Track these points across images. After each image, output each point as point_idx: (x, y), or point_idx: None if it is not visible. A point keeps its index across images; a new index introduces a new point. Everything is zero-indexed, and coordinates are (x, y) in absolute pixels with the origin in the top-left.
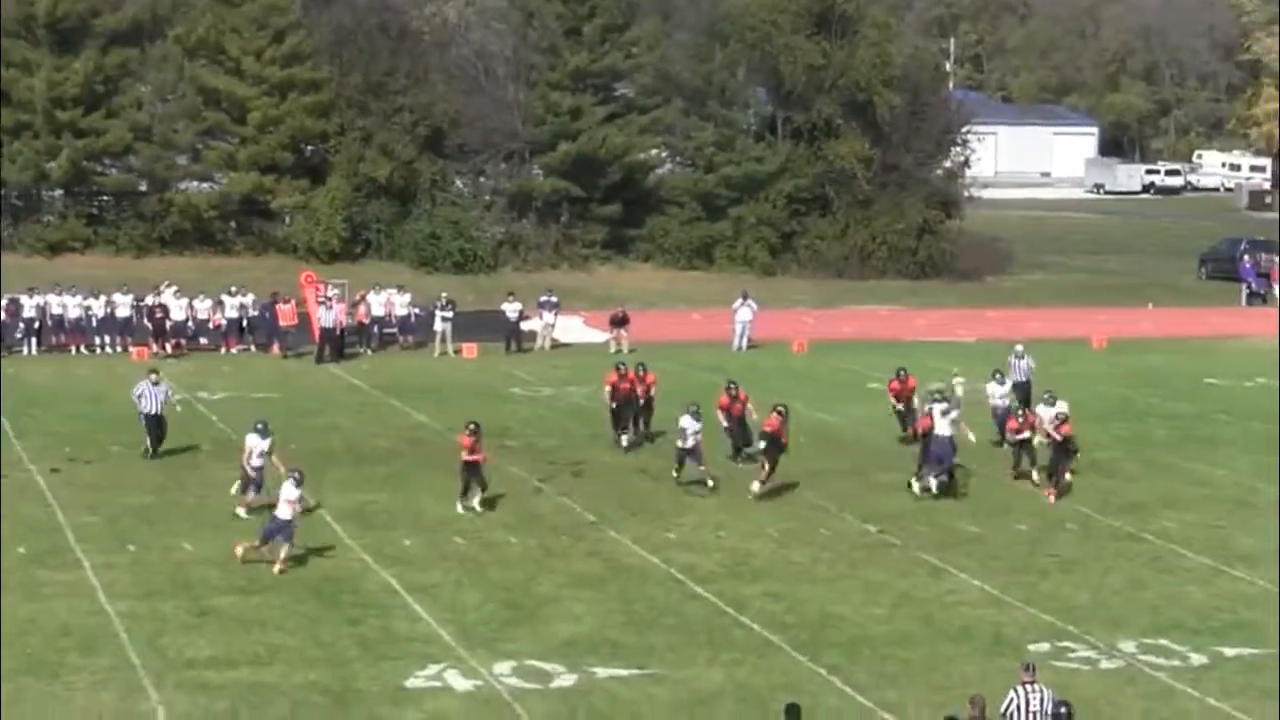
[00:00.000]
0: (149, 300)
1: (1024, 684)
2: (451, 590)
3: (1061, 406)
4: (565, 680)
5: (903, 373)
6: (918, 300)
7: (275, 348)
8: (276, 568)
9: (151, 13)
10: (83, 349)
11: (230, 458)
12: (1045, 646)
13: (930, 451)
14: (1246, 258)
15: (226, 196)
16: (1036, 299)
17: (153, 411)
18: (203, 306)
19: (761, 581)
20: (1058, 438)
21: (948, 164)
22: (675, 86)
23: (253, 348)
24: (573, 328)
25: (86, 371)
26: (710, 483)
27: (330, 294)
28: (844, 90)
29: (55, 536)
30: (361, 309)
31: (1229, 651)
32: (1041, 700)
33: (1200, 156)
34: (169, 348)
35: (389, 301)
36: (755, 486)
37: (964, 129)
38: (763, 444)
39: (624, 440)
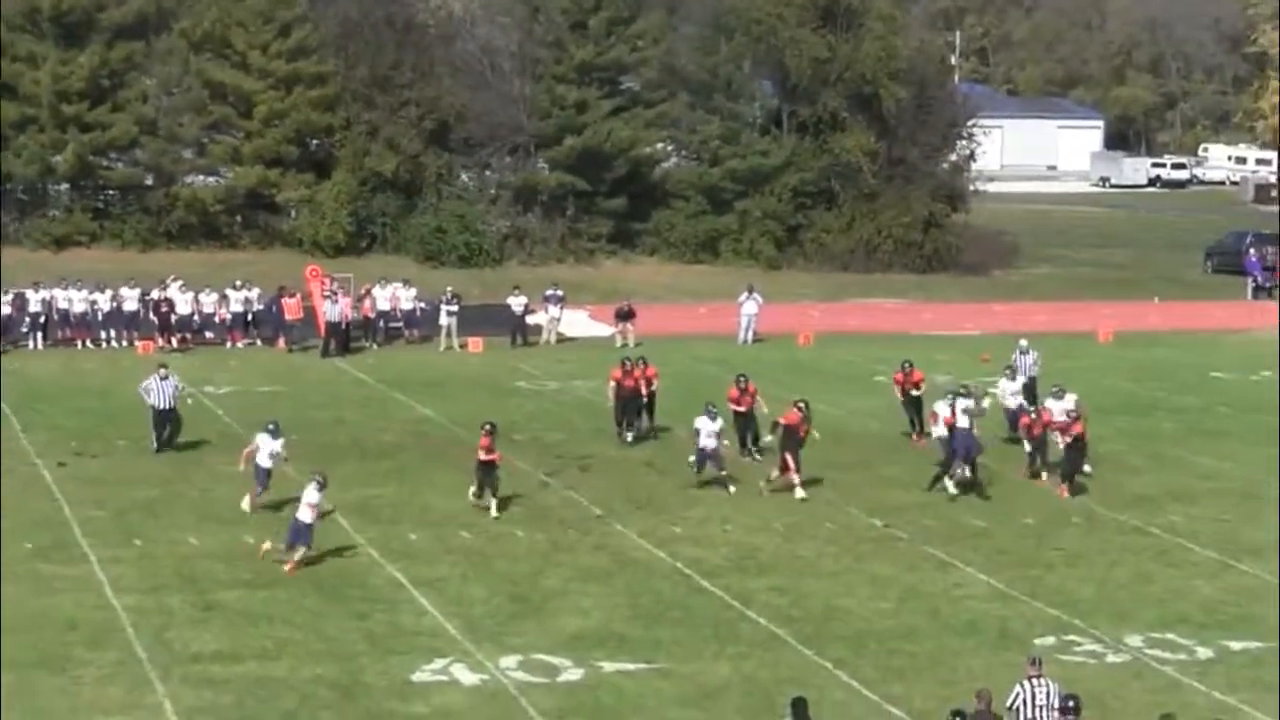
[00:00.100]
0: (155, 294)
1: (1030, 678)
2: (458, 584)
3: (1070, 399)
4: (572, 674)
5: (908, 365)
6: (923, 294)
7: (281, 342)
8: (287, 567)
9: (157, 6)
10: (88, 343)
11: (236, 452)
12: (1051, 640)
13: (954, 446)
14: (1252, 251)
15: (232, 190)
16: (1042, 292)
17: (162, 406)
18: (208, 301)
19: (768, 575)
20: (1069, 439)
21: (953, 157)
22: (681, 80)
23: (258, 342)
24: (578, 322)
25: (92, 366)
26: (731, 488)
27: (335, 288)
28: (849, 83)
29: (62, 531)
30: (367, 303)
31: (1235, 645)
32: (1048, 694)
33: (1206, 150)
34: (174, 342)
35: (394, 295)
36: (799, 492)
37: (970, 122)
38: (772, 437)
39: (628, 436)
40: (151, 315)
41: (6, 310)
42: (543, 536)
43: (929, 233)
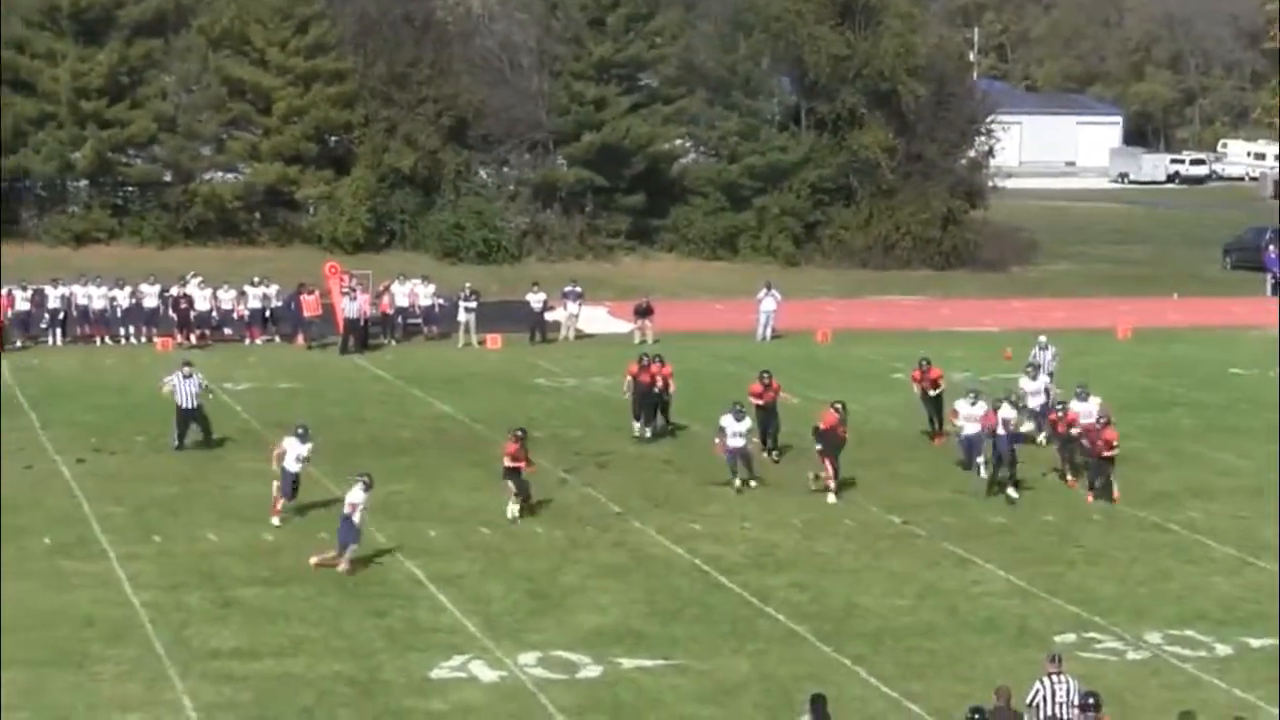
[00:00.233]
0: (174, 291)
1: (1050, 675)
2: (477, 581)
3: (1094, 402)
4: (590, 671)
5: (925, 363)
6: (942, 290)
7: (300, 338)
8: (341, 568)
9: (176, 3)
10: (108, 339)
11: (255, 448)
12: (1071, 637)
13: (996, 451)
14: (1271, 247)
15: (251, 187)
16: (1061, 289)
17: (186, 405)
18: (227, 297)
19: (786, 572)
20: (1105, 447)
21: (972, 154)
22: (699, 76)
23: (277, 339)
24: (597, 318)
25: (112, 362)
26: (752, 483)
27: (354, 284)
28: (868, 80)
29: (81, 527)
30: (385, 299)
31: (1255, 642)
32: (1068, 691)
33: (1225, 145)
34: (193, 338)
35: (413, 292)
36: (830, 497)
37: (988, 118)
38: (818, 445)
39: (646, 432)
40: (170, 312)
41: (25, 306)
42: (561, 533)
43: (947, 229)
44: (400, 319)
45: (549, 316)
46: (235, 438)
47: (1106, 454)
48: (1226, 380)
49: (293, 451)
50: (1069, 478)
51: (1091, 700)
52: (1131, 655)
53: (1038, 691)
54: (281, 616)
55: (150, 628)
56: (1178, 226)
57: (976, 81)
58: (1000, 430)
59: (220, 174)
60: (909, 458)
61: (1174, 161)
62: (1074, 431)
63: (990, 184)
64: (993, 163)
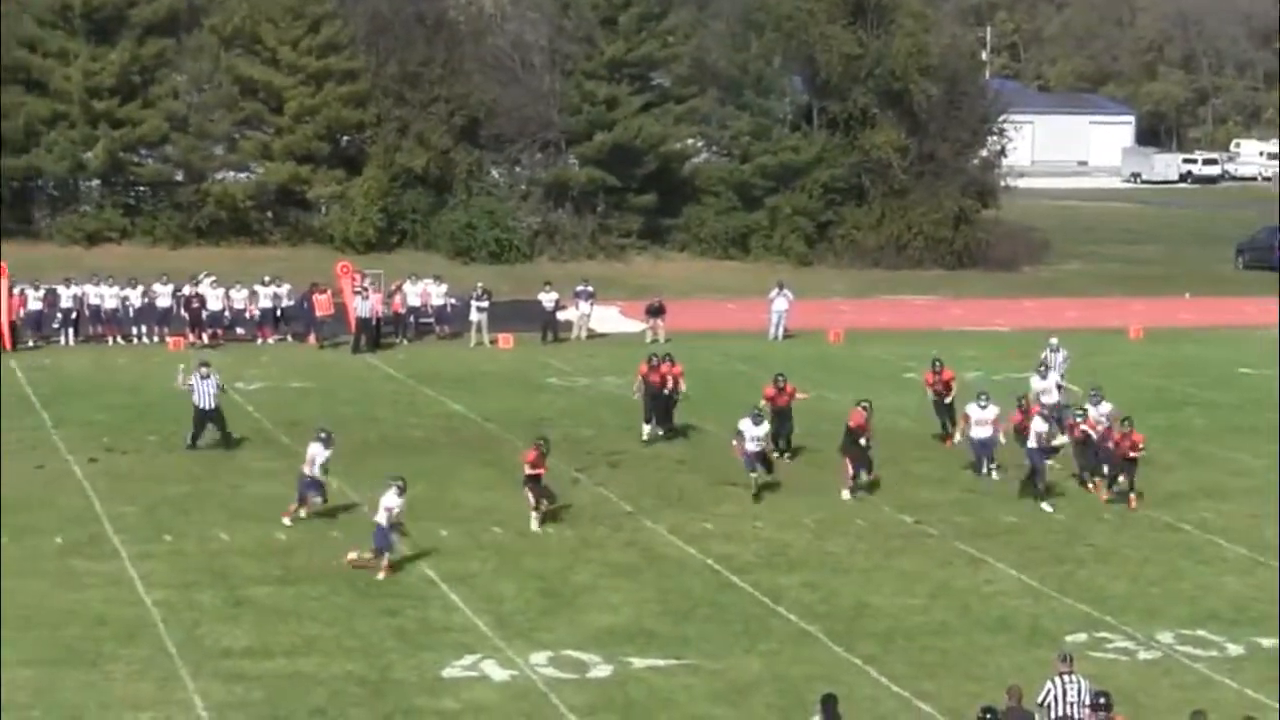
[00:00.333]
0: (186, 290)
1: (1061, 674)
2: (488, 580)
3: (1106, 406)
4: (601, 670)
5: (938, 364)
6: (954, 290)
7: (311, 338)
8: (381, 575)
9: (188, 2)
10: (120, 339)
11: (267, 448)
12: (1082, 637)
13: (1031, 463)
14: None
15: (263, 186)
16: (1073, 289)
17: (204, 406)
18: (239, 297)
19: (798, 572)
20: (1129, 448)
21: (984, 153)
22: (711, 76)
23: (289, 338)
24: (609, 318)
25: (124, 361)
26: (753, 487)
27: (366, 284)
28: (880, 79)
29: (93, 526)
30: (397, 299)
31: (1266, 642)
32: (1079, 690)
33: (1238, 145)
34: (205, 338)
35: (425, 291)
36: (845, 494)
37: (1000, 118)
38: (849, 440)
39: (658, 432)
40: (182, 311)
41: (38, 306)
42: (573, 533)
43: (959, 229)
44: (412, 318)
45: (561, 316)
46: (247, 437)
47: (1133, 454)
48: (1239, 380)
49: (317, 457)
50: (1090, 483)
51: (1103, 700)
52: (1143, 655)
53: (1049, 691)
54: (293, 616)
55: (162, 627)
56: (1190, 226)
57: (989, 81)
58: (1032, 444)
59: (232, 173)
60: (921, 457)
61: (1186, 161)
62: (1092, 435)
63: (1002, 184)
64: (1005, 162)
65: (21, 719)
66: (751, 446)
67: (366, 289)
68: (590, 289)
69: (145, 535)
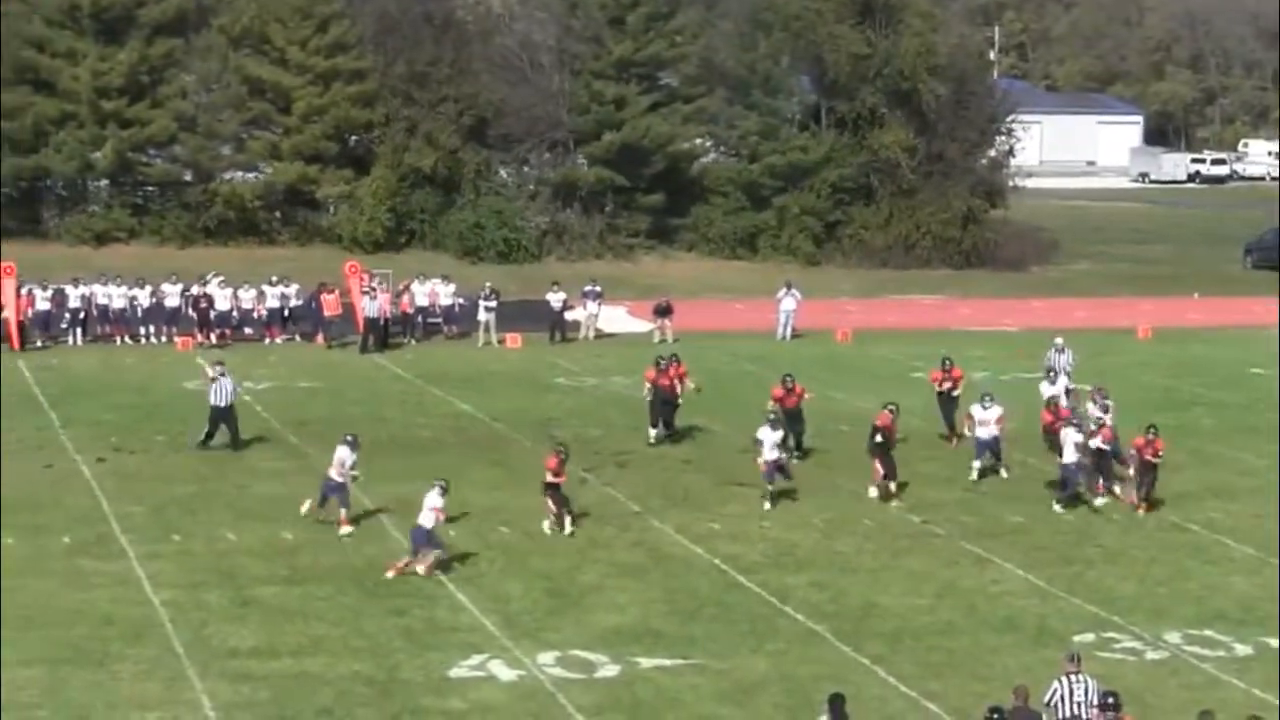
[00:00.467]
0: (194, 290)
1: (1068, 674)
2: (495, 580)
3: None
4: (609, 670)
5: (948, 363)
6: (962, 290)
7: (320, 337)
8: (421, 569)
9: (196, 3)
10: (128, 339)
11: (274, 448)
12: (1090, 637)
13: (1063, 476)
14: None
15: (271, 186)
16: (1081, 288)
17: (221, 403)
18: (247, 296)
19: (805, 571)
20: (1151, 454)
21: (992, 153)
22: (719, 75)
23: (297, 337)
24: (617, 318)
25: (132, 361)
26: (767, 499)
27: (374, 284)
28: (888, 79)
29: (100, 526)
30: (405, 299)
31: (1274, 642)
32: (1086, 690)
33: (1246, 145)
34: (214, 338)
35: (433, 291)
36: (873, 491)
37: (1009, 118)
38: (875, 441)
39: (664, 433)
40: (190, 311)
41: (46, 306)
42: (580, 532)
43: (967, 229)
44: (420, 318)
45: (569, 316)
46: (255, 437)
47: (1153, 459)
48: (1247, 380)
49: (345, 461)
50: (1116, 491)
51: (1112, 700)
52: (1150, 655)
53: (1055, 690)
54: (300, 616)
55: (169, 626)
56: (1198, 226)
57: (997, 81)
58: (1070, 458)
59: (240, 173)
60: (928, 457)
61: (1194, 161)
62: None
63: (1010, 183)
64: (1013, 162)
65: (28, 718)
66: (770, 455)
67: (374, 289)
68: (598, 289)
69: (153, 535)
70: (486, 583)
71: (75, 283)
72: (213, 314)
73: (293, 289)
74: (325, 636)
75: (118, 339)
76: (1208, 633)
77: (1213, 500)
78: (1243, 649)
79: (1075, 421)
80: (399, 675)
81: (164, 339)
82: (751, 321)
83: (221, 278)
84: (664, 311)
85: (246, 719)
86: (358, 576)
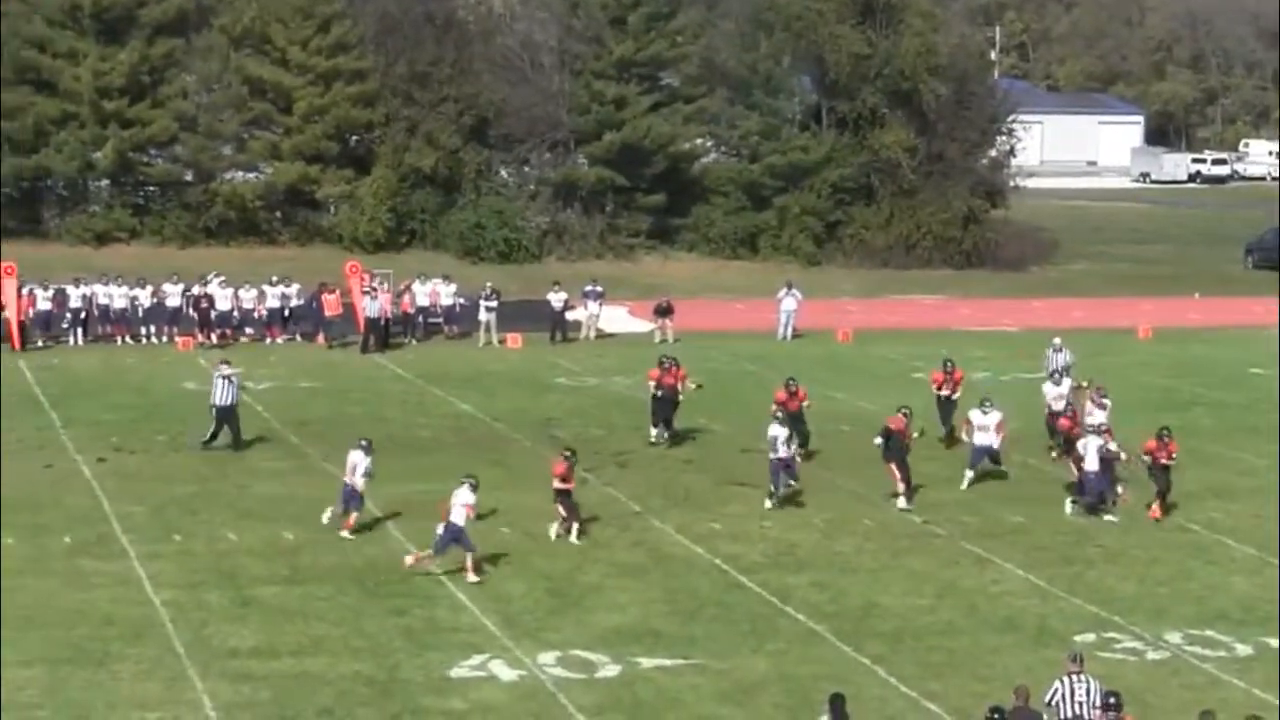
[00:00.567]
0: (195, 290)
1: (1070, 674)
2: (496, 580)
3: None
4: (609, 670)
5: (949, 365)
6: (962, 290)
7: (320, 337)
8: (471, 577)
9: (197, 3)
10: (128, 339)
11: (275, 448)
12: (1090, 637)
13: (1089, 486)
14: None
15: (272, 186)
16: (1081, 288)
17: (226, 402)
18: (248, 297)
19: (805, 572)
20: (1165, 456)
21: (993, 153)
22: (720, 75)
23: (299, 337)
24: (617, 318)
25: (132, 361)
26: (793, 482)
27: (375, 284)
28: (889, 79)
29: (101, 526)
30: (406, 299)
31: (1274, 642)
32: (1088, 690)
33: (1247, 145)
34: (214, 338)
35: (434, 291)
36: (902, 502)
37: (1009, 118)
38: (881, 443)
39: (664, 435)
40: (191, 311)
41: (47, 306)
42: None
43: (968, 229)
44: (421, 318)
45: (570, 316)
46: (256, 437)
47: (1167, 462)
48: (1247, 380)
49: (358, 465)
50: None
51: (1113, 700)
52: (1151, 655)
53: (1057, 690)
54: (300, 616)
55: (170, 626)
56: (1199, 226)
57: (998, 81)
58: (1092, 466)
59: (241, 173)
60: (928, 457)
61: (1195, 161)
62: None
63: (1011, 183)
64: (1014, 162)
65: (29, 718)
66: (781, 452)
67: (375, 289)
68: (599, 289)
69: (153, 535)
70: (487, 582)
71: (76, 283)
72: (213, 314)
73: (293, 289)
74: (326, 636)
75: (118, 339)
76: (1208, 633)
77: (1213, 500)
78: (1243, 649)
79: (1099, 427)
80: (399, 675)
81: (165, 339)
82: (752, 321)
83: (222, 278)
84: (665, 311)
85: (247, 719)
86: (358, 576)
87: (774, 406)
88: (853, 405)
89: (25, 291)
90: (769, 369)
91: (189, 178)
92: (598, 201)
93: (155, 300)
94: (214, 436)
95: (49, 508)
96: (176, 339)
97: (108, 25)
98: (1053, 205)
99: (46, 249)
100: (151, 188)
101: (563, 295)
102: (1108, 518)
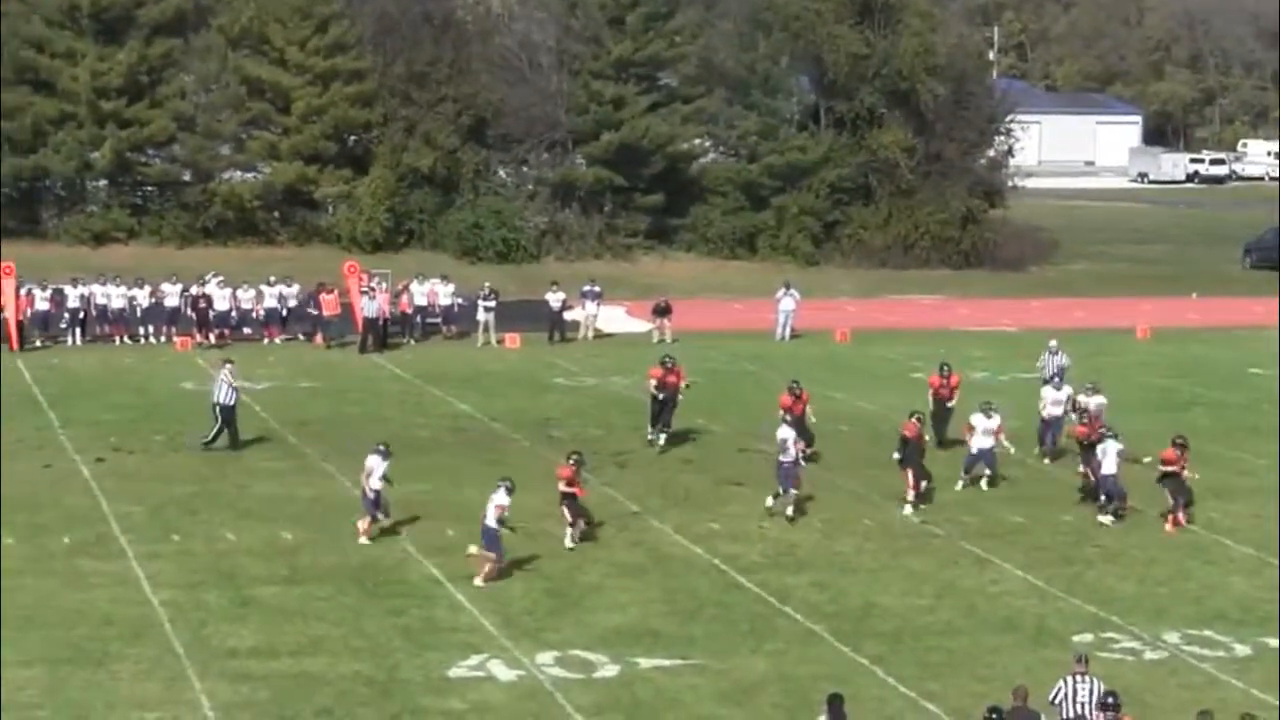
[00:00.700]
0: (193, 290)
1: (1075, 674)
2: (495, 580)
3: (1099, 398)
4: (608, 670)
5: (946, 369)
6: (960, 290)
7: (318, 337)
8: (478, 580)
9: (195, 3)
10: (126, 339)
11: (274, 448)
12: (1089, 637)
13: (1105, 489)
14: None
15: (270, 186)
16: (1080, 288)
17: (228, 402)
18: (246, 297)
19: (805, 572)
20: (1166, 467)
21: (991, 153)
22: (718, 75)
23: (300, 336)
24: (616, 318)
25: (131, 361)
26: (789, 512)
27: (373, 284)
28: (887, 79)
29: (99, 526)
30: (404, 299)
31: (1273, 642)
32: (1091, 691)
33: (1245, 145)
34: (213, 338)
35: (432, 291)
36: (907, 510)
37: (1007, 118)
38: (898, 454)
39: (661, 438)
40: (189, 311)
41: (45, 306)
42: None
43: (966, 229)
44: (419, 318)
45: (568, 316)
46: (255, 437)
47: (1184, 471)
48: (1246, 380)
49: (376, 470)
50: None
51: (1111, 700)
52: (1150, 655)
53: (1060, 690)
54: (300, 616)
55: (169, 626)
56: (1197, 226)
57: (996, 81)
58: (1110, 470)
59: (239, 173)
60: (928, 457)
61: (1193, 161)
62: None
63: (1009, 183)
64: (1012, 162)
65: (28, 718)
66: (790, 455)
67: (373, 289)
68: (597, 289)
69: (152, 535)
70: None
71: (74, 283)
72: (212, 314)
73: (295, 289)
74: (325, 636)
75: (117, 339)
76: (1207, 633)
77: (1212, 500)
78: (1242, 649)
79: (1115, 433)
80: (398, 675)
81: (163, 339)
82: (750, 321)
83: (220, 278)
84: (663, 311)
85: (246, 719)
86: (357, 576)
87: (781, 411)
88: (851, 405)
89: (23, 291)
90: (767, 369)
91: (187, 178)
92: (596, 201)
93: (153, 300)
94: (217, 436)
95: (48, 508)
96: (175, 339)
97: (106, 25)
98: (1051, 205)
99: (45, 249)
100: (150, 188)
101: (561, 295)
102: (1103, 518)
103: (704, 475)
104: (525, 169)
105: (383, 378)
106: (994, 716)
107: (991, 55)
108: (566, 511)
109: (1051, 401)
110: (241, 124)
